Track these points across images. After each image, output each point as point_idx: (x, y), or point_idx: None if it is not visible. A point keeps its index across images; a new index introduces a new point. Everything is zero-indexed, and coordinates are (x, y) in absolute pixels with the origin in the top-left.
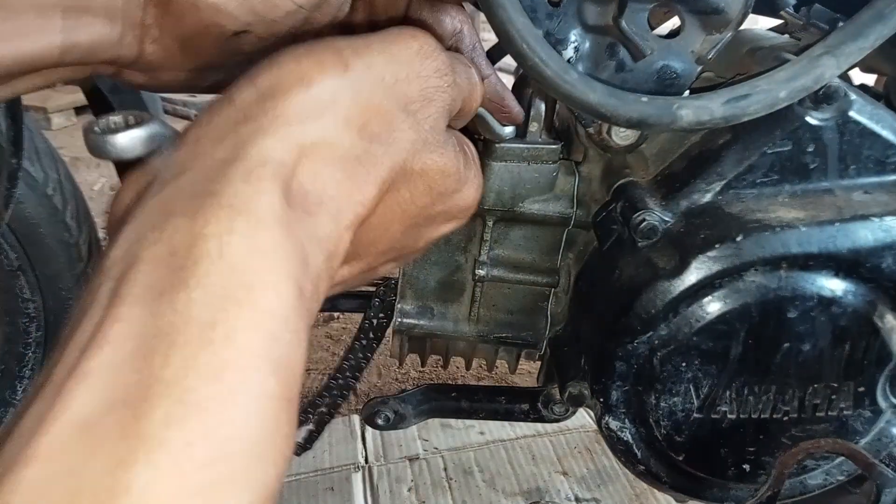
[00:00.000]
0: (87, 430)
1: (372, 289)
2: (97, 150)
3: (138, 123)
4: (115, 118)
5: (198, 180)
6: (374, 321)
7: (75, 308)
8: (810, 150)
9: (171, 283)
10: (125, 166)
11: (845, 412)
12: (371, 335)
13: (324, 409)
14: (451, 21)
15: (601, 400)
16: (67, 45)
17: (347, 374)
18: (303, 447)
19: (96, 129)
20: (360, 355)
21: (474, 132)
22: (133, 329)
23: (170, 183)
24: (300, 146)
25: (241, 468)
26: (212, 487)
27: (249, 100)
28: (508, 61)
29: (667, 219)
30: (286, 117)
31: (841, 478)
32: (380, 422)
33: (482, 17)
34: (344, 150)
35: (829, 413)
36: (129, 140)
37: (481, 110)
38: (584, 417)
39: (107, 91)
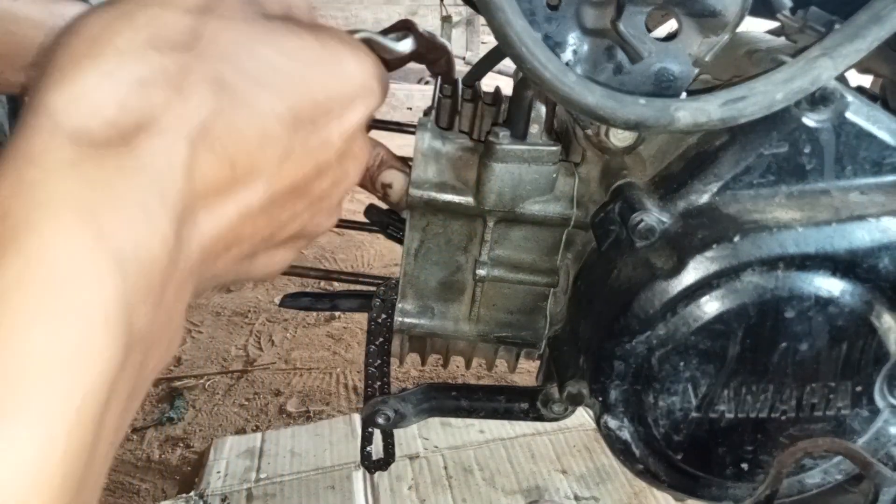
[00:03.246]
0: None
1: (372, 289)
2: None
3: None
4: None
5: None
6: (379, 321)
7: None
8: (807, 151)
9: None
10: None
11: (843, 411)
12: (381, 336)
13: (379, 420)
14: None
15: (600, 399)
16: None
17: (377, 380)
18: (386, 462)
19: None
20: (380, 359)
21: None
22: None
23: None
24: (80, 89)
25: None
26: None
27: (45, 60)
28: (507, 64)
29: (664, 219)
30: (65, 66)
31: (839, 477)
32: (380, 421)
33: (482, 19)
34: (153, 72)
35: (827, 412)
36: None
37: (368, 33)
38: (583, 416)
39: None
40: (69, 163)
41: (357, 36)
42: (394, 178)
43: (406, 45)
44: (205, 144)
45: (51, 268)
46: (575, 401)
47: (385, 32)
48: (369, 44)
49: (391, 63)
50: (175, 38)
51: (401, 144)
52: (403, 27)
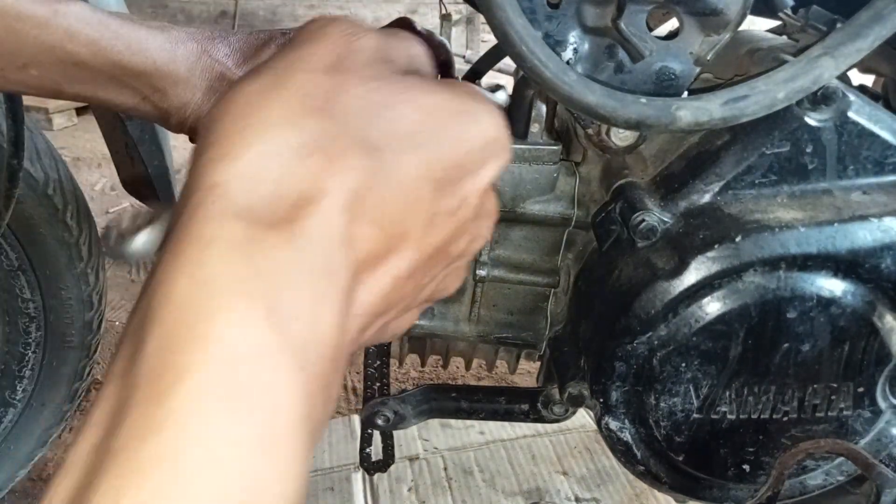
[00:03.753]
0: None
1: None
2: (118, 257)
3: (149, 221)
4: (125, 220)
5: (167, 241)
6: None
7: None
8: (809, 150)
9: (136, 346)
10: None
11: (845, 412)
12: None
13: (378, 421)
14: None
15: (601, 400)
16: None
17: (377, 381)
18: (385, 463)
19: (112, 237)
20: (379, 360)
21: None
22: (109, 405)
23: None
24: (244, 163)
25: None
26: None
27: (200, 139)
28: (508, 62)
29: (666, 219)
30: (228, 140)
31: (840, 478)
32: (379, 422)
33: (482, 17)
34: (308, 141)
35: (829, 413)
36: (145, 241)
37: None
38: (583, 417)
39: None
40: (240, 245)
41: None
42: None
43: (500, 98)
44: (359, 213)
45: (234, 368)
46: (576, 402)
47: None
48: None
49: None
50: (319, 103)
51: None
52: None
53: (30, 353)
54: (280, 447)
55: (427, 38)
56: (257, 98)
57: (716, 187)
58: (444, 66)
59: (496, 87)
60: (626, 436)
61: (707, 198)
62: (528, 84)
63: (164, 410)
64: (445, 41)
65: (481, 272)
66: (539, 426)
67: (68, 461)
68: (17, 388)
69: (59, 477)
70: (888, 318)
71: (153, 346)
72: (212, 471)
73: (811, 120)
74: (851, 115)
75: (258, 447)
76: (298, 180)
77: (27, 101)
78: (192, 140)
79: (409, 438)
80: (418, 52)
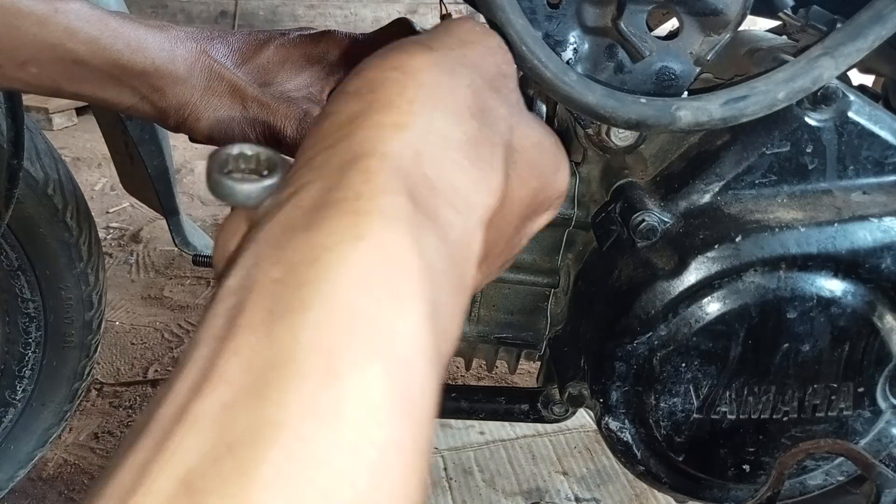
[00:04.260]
0: (189, 485)
1: None
2: (220, 194)
3: (271, 172)
4: (244, 157)
5: (316, 192)
6: None
7: (188, 344)
8: (809, 150)
9: (291, 305)
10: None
11: (845, 412)
12: None
13: None
14: None
15: (601, 400)
16: None
17: None
18: None
19: (223, 171)
20: None
21: None
22: (248, 362)
23: (287, 202)
24: (417, 138)
25: None
26: None
27: (350, 106)
28: None
29: (666, 219)
30: (395, 109)
31: (840, 478)
32: None
33: (482, 18)
34: (460, 137)
35: (829, 413)
36: (260, 190)
37: None
38: (583, 417)
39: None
40: (411, 227)
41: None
42: None
43: (541, 111)
44: (487, 225)
45: (405, 372)
46: (576, 402)
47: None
48: None
49: None
50: (483, 111)
51: None
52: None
53: (30, 353)
54: (423, 448)
55: None
56: (434, 77)
57: (716, 187)
58: None
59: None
60: (626, 436)
61: (707, 198)
62: (528, 84)
63: (344, 396)
64: None
65: None
66: (539, 426)
67: (191, 412)
68: (17, 387)
69: (180, 427)
70: (888, 318)
71: (324, 315)
72: (380, 470)
73: (811, 120)
74: (851, 115)
75: (415, 455)
76: (454, 173)
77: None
78: (191, 139)
79: None
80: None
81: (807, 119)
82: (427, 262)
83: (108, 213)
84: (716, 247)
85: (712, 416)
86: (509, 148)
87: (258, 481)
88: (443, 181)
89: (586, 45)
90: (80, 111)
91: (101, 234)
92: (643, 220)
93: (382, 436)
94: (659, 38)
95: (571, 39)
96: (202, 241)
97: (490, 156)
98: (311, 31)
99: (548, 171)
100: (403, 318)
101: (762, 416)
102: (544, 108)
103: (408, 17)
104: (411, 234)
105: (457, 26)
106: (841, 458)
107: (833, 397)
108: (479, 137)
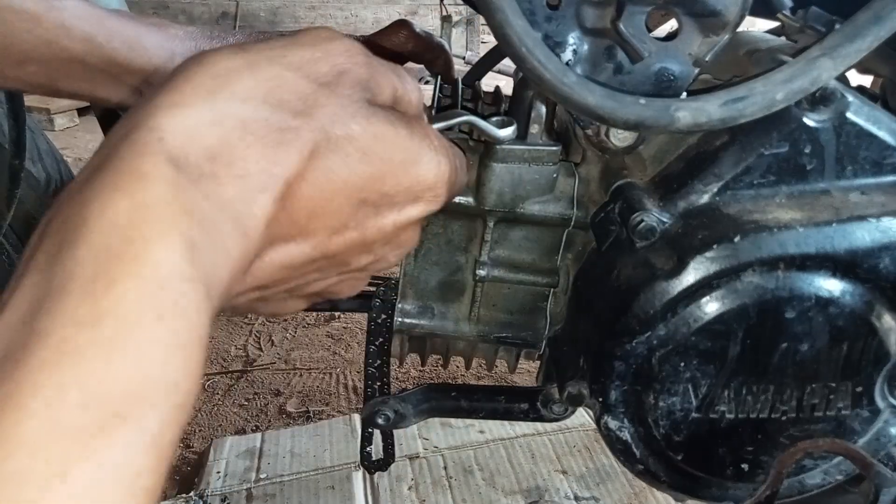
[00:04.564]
0: None
1: (372, 289)
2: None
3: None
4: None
5: (96, 160)
6: (379, 321)
7: None
8: (807, 151)
9: (61, 247)
10: None
11: (843, 412)
12: (381, 336)
13: (379, 420)
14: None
15: (600, 399)
16: None
17: (377, 380)
18: (386, 462)
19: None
20: (380, 359)
21: (472, 136)
22: (29, 293)
23: (81, 171)
24: (194, 116)
25: (121, 412)
26: (86, 429)
27: (151, 93)
28: (508, 63)
29: (664, 220)
30: (176, 92)
31: (839, 477)
32: (380, 421)
33: (482, 19)
34: (260, 124)
35: (828, 413)
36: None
37: (478, 122)
38: (583, 416)
39: None
40: (171, 186)
41: (459, 119)
42: None
43: (508, 132)
44: (282, 201)
45: (161, 285)
46: (575, 401)
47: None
48: (474, 126)
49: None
50: (291, 101)
51: None
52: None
53: None
54: (191, 355)
55: (426, 39)
56: (227, 71)
57: (714, 188)
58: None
59: (508, 122)
60: (626, 435)
61: (706, 198)
62: (528, 85)
63: (101, 307)
64: (445, 43)
65: (481, 272)
66: (538, 425)
67: None
68: None
69: None
70: (886, 317)
71: (87, 252)
72: (140, 360)
73: (810, 121)
74: (850, 115)
75: (176, 350)
76: (234, 150)
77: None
78: None
79: (409, 437)
80: (408, 92)
81: (805, 120)
82: (185, 209)
83: None
84: (714, 247)
85: (711, 416)
86: (328, 135)
87: (27, 370)
88: (224, 152)
89: (585, 47)
90: (81, 112)
91: None
92: (642, 221)
93: (137, 334)
94: (658, 39)
95: (571, 40)
96: None
97: (289, 142)
98: None
99: (391, 161)
100: (151, 248)
101: (761, 416)
102: (543, 108)
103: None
104: (167, 188)
105: (307, 32)
106: (839, 458)
107: (831, 397)
108: (272, 121)
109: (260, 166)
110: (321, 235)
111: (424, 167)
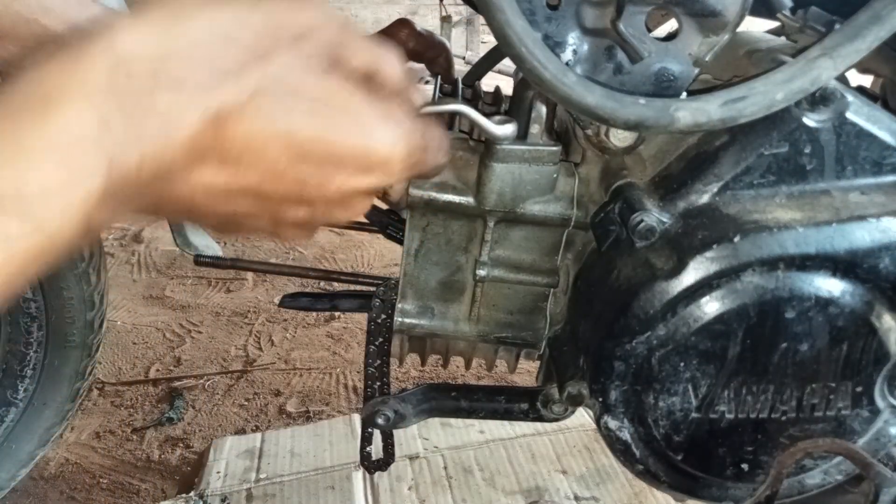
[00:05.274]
0: None
1: (372, 289)
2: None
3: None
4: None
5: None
6: (379, 321)
7: None
8: (807, 151)
9: None
10: None
11: (843, 412)
12: (381, 336)
13: (378, 420)
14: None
15: (600, 399)
16: None
17: (377, 380)
18: (386, 462)
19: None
20: (380, 359)
21: (472, 135)
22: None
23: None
24: (155, 37)
25: None
26: None
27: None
28: (508, 63)
29: (664, 220)
30: (144, 14)
31: (839, 477)
32: (380, 421)
33: (482, 19)
34: (211, 51)
35: (827, 413)
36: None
37: (473, 114)
38: (583, 416)
39: None
40: (107, 73)
41: (450, 107)
42: None
43: (506, 130)
44: (213, 125)
45: (66, 144)
46: (575, 401)
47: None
48: (474, 124)
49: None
50: (249, 42)
51: None
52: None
53: (31, 353)
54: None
55: (427, 38)
56: (202, 9)
57: (714, 188)
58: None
59: (507, 120)
60: (625, 435)
61: (706, 198)
62: (528, 85)
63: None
64: (446, 42)
65: (481, 272)
66: (538, 425)
67: None
68: (19, 387)
69: None
70: (886, 317)
71: (6, 103)
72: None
73: (809, 121)
74: (850, 115)
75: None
76: (178, 67)
77: None
78: None
79: (409, 437)
80: (386, 67)
81: (805, 120)
82: (113, 92)
83: None
84: (714, 247)
85: (711, 416)
86: (277, 82)
87: None
88: (169, 66)
89: (585, 47)
90: None
91: (103, 235)
92: (642, 221)
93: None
94: (658, 39)
95: (571, 41)
96: (203, 242)
97: (232, 70)
98: None
99: (339, 125)
100: (64, 108)
101: (760, 416)
102: (544, 108)
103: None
104: (103, 75)
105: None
106: (839, 458)
107: (831, 397)
108: (223, 53)
109: (198, 86)
110: (251, 175)
111: (378, 139)
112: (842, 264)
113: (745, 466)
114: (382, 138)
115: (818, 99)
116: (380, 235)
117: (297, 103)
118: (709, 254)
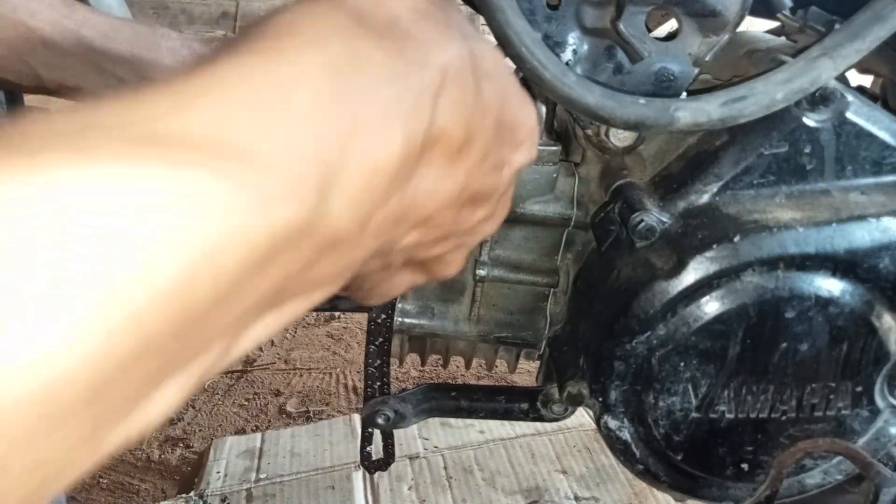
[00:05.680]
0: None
1: None
2: None
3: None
4: None
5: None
6: (379, 321)
7: None
8: (807, 151)
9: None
10: None
11: (843, 412)
12: (381, 336)
13: (378, 420)
14: None
15: (600, 399)
16: None
17: (377, 380)
18: (386, 462)
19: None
20: (380, 359)
21: None
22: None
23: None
24: None
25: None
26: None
27: None
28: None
29: (664, 219)
30: None
31: (839, 477)
32: (380, 421)
33: (481, 19)
34: (429, 13)
35: (827, 413)
36: None
37: None
38: (583, 416)
39: None
40: (346, 27)
41: None
42: None
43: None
44: (435, 99)
45: (292, 104)
46: (575, 401)
47: None
48: None
49: None
50: (444, 18)
51: None
52: None
53: None
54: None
55: None
56: None
57: (714, 188)
58: None
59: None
60: (625, 435)
61: (706, 198)
62: (528, 85)
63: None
64: None
65: (481, 272)
66: (538, 425)
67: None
68: None
69: None
70: (886, 317)
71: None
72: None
73: (809, 121)
74: (850, 115)
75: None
76: (412, 25)
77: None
78: None
79: (409, 437)
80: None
81: (805, 120)
82: (345, 41)
83: None
84: (714, 247)
85: (711, 415)
86: (471, 53)
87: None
88: (404, 25)
89: (585, 47)
90: None
91: None
92: (642, 220)
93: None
94: (658, 39)
95: (571, 40)
96: None
97: (448, 30)
98: None
99: (508, 90)
100: (301, 46)
101: (760, 416)
102: (544, 108)
103: None
104: (343, 25)
105: None
106: (839, 458)
107: (831, 396)
108: (435, 17)
109: (433, 43)
110: (470, 161)
111: (531, 109)
112: (842, 264)
113: (745, 466)
114: (531, 104)
115: (818, 99)
116: None
117: (486, 67)
118: (709, 254)
